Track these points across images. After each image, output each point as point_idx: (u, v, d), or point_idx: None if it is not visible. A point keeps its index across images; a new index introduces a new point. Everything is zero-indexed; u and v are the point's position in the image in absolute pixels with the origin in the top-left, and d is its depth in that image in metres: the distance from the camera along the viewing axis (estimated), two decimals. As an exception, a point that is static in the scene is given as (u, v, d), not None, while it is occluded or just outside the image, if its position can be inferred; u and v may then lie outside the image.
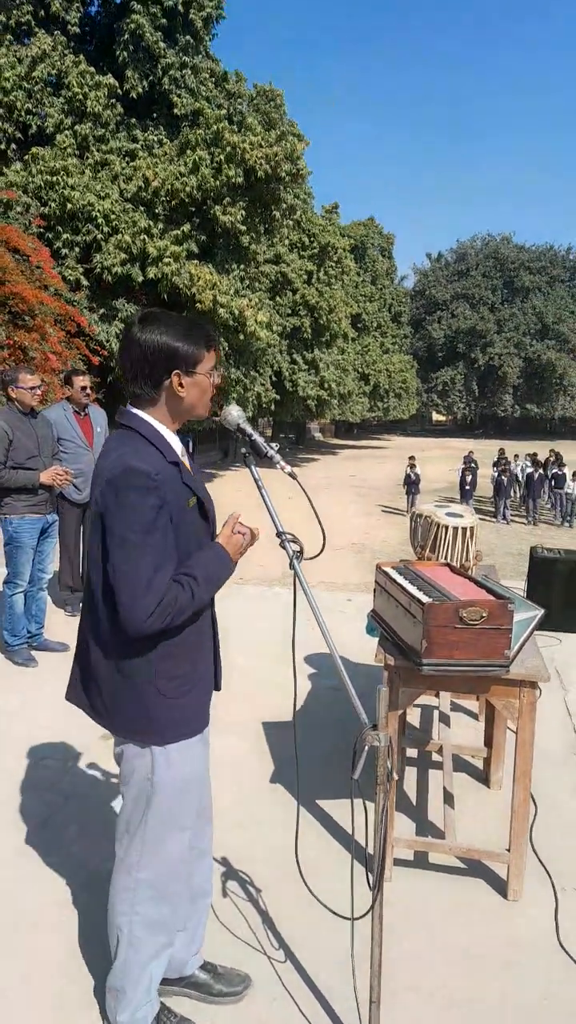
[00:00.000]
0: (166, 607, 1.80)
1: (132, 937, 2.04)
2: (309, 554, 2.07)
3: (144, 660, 1.90)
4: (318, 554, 2.08)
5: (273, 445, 2.08)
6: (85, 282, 17.06)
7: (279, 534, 2.02)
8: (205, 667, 2.07)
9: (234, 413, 2.08)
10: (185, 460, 2.03)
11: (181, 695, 1.96)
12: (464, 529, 3.53)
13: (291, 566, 2.02)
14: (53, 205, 16.52)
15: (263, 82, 21.43)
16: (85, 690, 2.05)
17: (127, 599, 1.79)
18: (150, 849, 2.01)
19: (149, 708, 1.93)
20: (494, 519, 22.05)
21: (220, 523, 2.08)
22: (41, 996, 2.29)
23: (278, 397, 31.86)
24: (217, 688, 2.18)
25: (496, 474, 22.56)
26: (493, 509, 22.70)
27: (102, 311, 17.32)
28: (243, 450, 2.10)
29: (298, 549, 2.04)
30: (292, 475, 2.07)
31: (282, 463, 2.04)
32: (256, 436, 2.08)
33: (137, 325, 1.90)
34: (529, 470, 23.13)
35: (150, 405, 1.94)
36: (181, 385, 1.90)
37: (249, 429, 2.08)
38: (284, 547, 2.02)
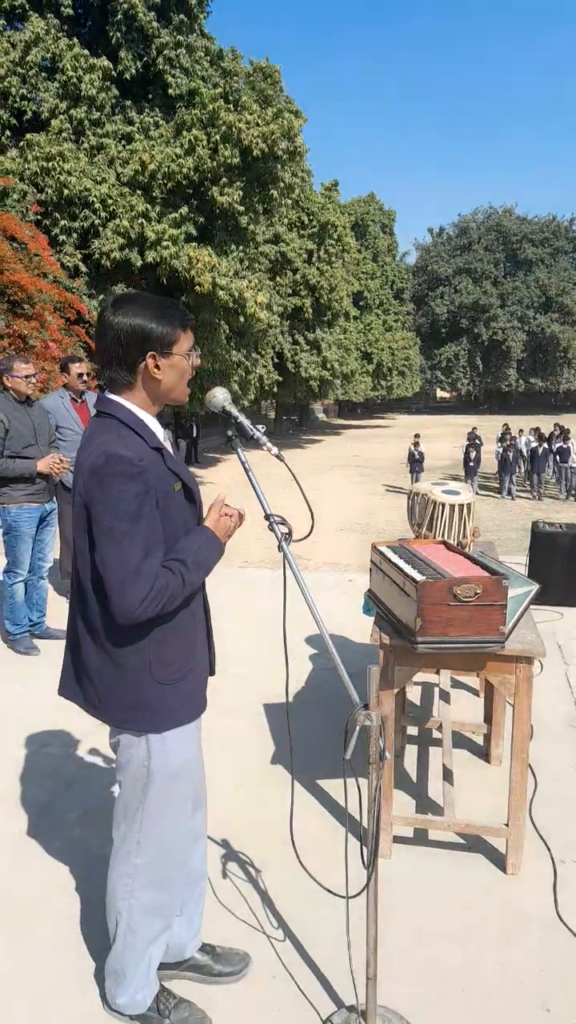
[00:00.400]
0: (158, 593, 1.80)
1: (131, 922, 2.06)
2: (298, 536, 2.07)
3: (138, 648, 1.90)
4: (306, 536, 2.08)
5: (259, 427, 2.07)
6: (84, 268, 16.97)
7: (267, 516, 2.01)
8: (200, 652, 2.07)
9: (219, 396, 2.07)
10: (167, 445, 2.01)
11: (177, 681, 1.96)
12: (461, 506, 3.52)
13: (280, 548, 2.01)
14: (50, 191, 16.41)
15: (259, 58, 21.17)
16: (78, 683, 2.05)
17: (117, 587, 1.78)
18: (147, 835, 2.02)
19: (145, 696, 1.93)
20: (499, 495, 22.00)
21: (207, 507, 2.08)
22: (43, 980, 2.31)
23: (280, 379, 31.74)
24: (212, 672, 2.18)
25: (501, 449, 22.47)
26: (498, 485, 22.64)
27: (101, 297, 17.24)
28: (229, 432, 2.09)
29: (287, 531, 2.04)
30: (279, 456, 2.07)
31: (268, 444, 2.04)
32: (242, 418, 2.06)
33: (110, 309, 1.88)
34: (533, 445, 23.02)
35: (127, 390, 1.92)
36: (157, 367, 1.88)
37: (235, 411, 2.07)
38: (272, 529, 2.02)
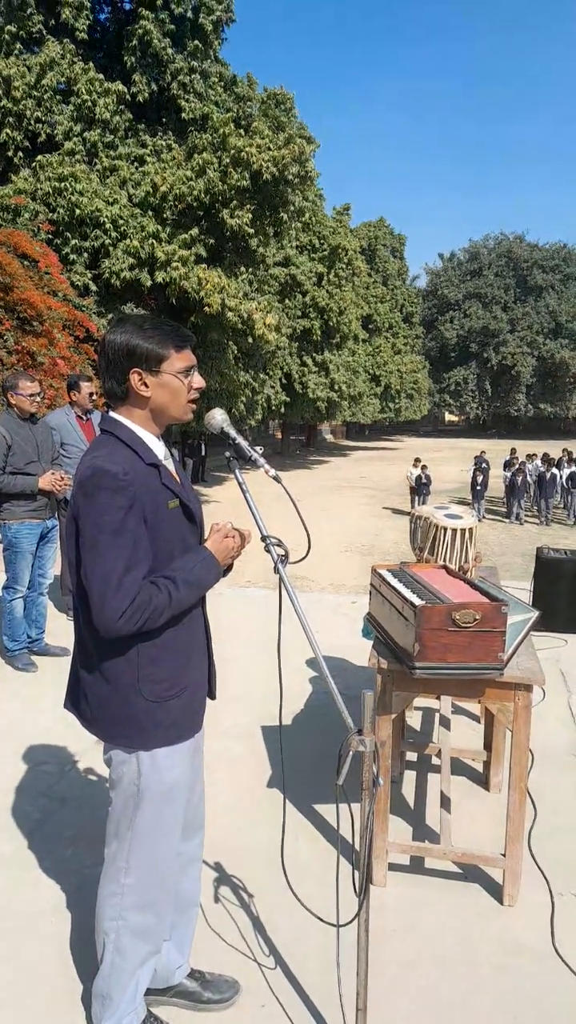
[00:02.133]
0: (138, 608, 1.80)
1: (119, 944, 2.03)
2: (295, 557, 2.06)
3: (127, 662, 1.90)
4: (302, 558, 2.07)
5: (257, 449, 2.07)
6: (94, 287, 17.11)
7: (264, 538, 2.00)
8: (197, 673, 2.06)
9: (217, 417, 2.07)
10: (168, 463, 2.02)
11: (167, 699, 1.95)
12: (463, 531, 3.50)
13: (275, 570, 2.00)
14: (61, 211, 16.57)
15: (273, 86, 21.40)
16: (76, 696, 2.06)
17: (98, 600, 1.79)
18: (136, 854, 2.00)
19: (134, 712, 1.92)
20: (507, 519, 21.95)
21: (210, 528, 2.08)
22: (31, 1000, 2.28)
23: (288, 399, 31.85)
24: (212, 696, 2.17)
25: (509, 474, 22.44)
26: (506, 509, 22.59)
27: (110, 316, 17.36)
28: (227, 454, 2.09)
29: (283, 553, 2.02)
30: (276, 478, 2.06)
31: (266, 466, 2.03)
32: (240, 440, 2.06)
33: (109, 327, 1.94)
34: (541, 470, 22.98)
35: (123, 406, 1.96)
36: (145, 384, 1.91)
37: (233, 433, 2.07)
38: (269, 551, 2.01)
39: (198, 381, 2.00)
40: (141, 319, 1.94)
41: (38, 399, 4.97)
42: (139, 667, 1.90)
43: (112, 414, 1.97)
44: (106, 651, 1.90)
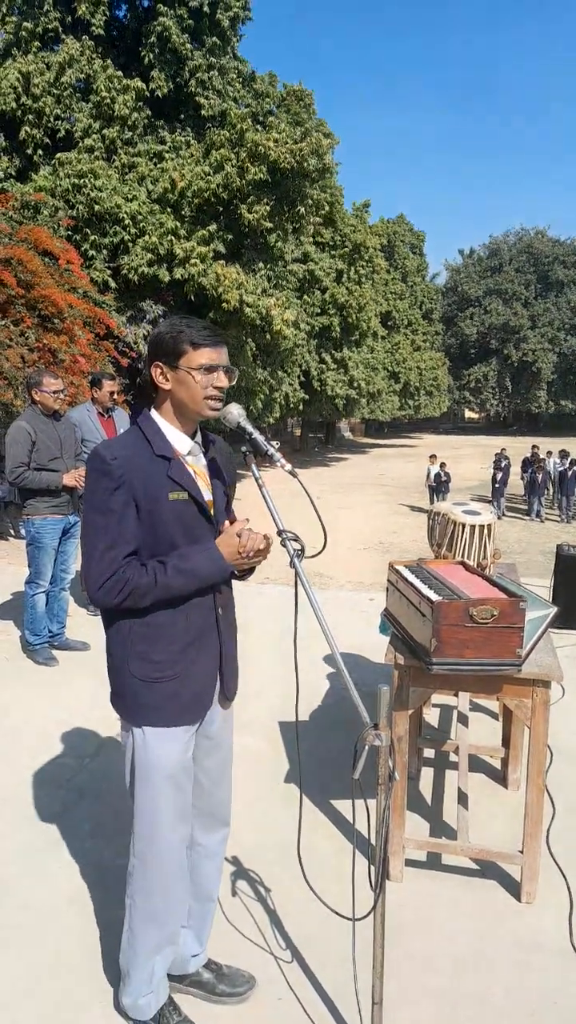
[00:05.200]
0: (116, 583, 1.90)
1: (132, 923, 2.11)
2: (311, 552, 2.06)
3: (121, 638, 2.02)
4: (318, 553, 2.07)
5: (273, 444, 2.08)
6: (113, 284, 17.17)
7: (280, 532, 2.01)
8: (196, 666, 2.06)
9: (234, 412, 2.08)
10: (192, 459, 2.06)
11: (153, 681, 2.00)
12: (482, 527, 3.49)
13: (291, 564, 2.00)
14: (81, 208, 16.63)
15: (292, 82, 21.37)
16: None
17: (85, 571, 1.94)
18: (139, 835, 2.08)
19: (125, 686, 2.04)
20: (527, 517, 21.82)
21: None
22: (53, 989, 2.31)
23: (306, 397, 31.80)
24: (227, 697, 2.18)
25: (530, 471, 22.28)
26: (526, 507, 22.45)
27: (129, 313, 17.41)
28: (244, 448, 2.10)
29: (299, 548, 2.03)
30: (292, 473, 2.06)
31: (282, 461, 2.04)
32: (256, 435, 2.07)
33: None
34: (561, 467, 22.80)
35: (156, 398, 2.06)
36: (165, 378, 1.99)
37: (249, 427, 2.08)
38: (285, 546, 2.01)
39: (220, 380, 2.00)
40: (181, 318, 2.02)
41: (62, 396, 5.02)
42: (131, 644, 2.00)
43: (147, 409, 2.08)
44: (108, 625, 2.05)
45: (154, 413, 2.05)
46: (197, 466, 2.07)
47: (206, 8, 19.10)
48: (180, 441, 2.04)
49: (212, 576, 2.01)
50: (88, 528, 1.95)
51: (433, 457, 23.51)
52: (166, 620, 1.99)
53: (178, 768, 2.06)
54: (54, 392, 4.95)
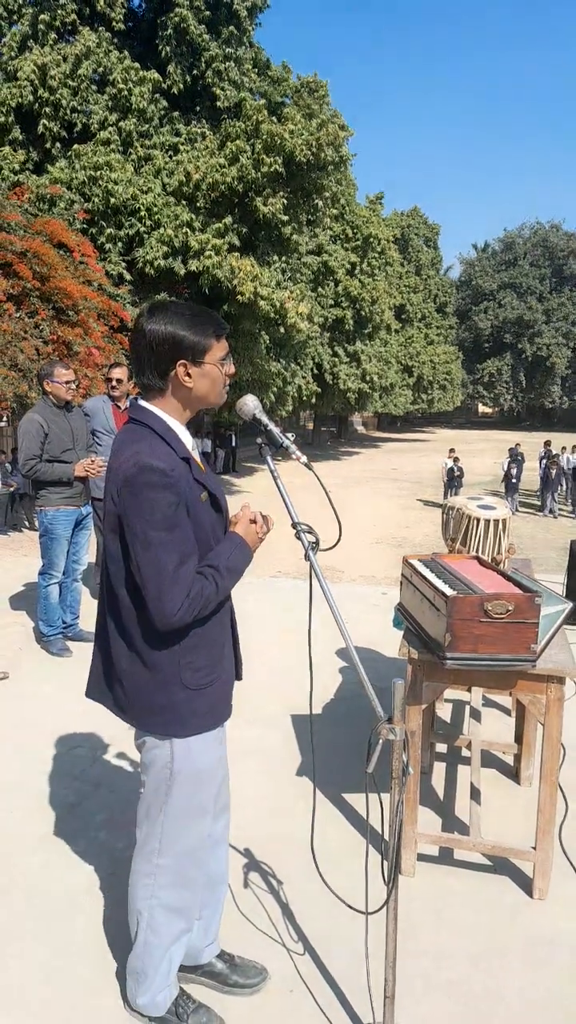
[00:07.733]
0: (194, 600, 1.82)
1: (152, 921, 2.07)
2: (326, 545, 2.05)
3: (170, 652, 1.91)
4: (334, 545, 2.06)
5: (289, 435, 2.07)
6: (128, 276, 17.18)
7: (294, 525, 2.00)
8: (227, 659, 2.08)
9: (250, 403, 2.07)
10: (195, 455, 2.02)
11: (205, 686, 1.97)
12: (496, 521, 3.48)
13: (306, 557, 2.00)
14: (96, 200, 16.64)
15: (307, 74, 21.25)
16: (107, 685, 2.07)
17: (155, 594, 1.80)
18: (170, 836, 2.03)
19: (173, 700, 1.94)
20: (541, 512, 21.72)
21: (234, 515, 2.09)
22: (67, 979, 2.32)
23: (319, 390, 31.74)
24: (238, 678, 2.18)
25: (544, 467, 22.17)
26: (540, 503, 22.34)
27: (143, 305, 17.40)
28: (259, 440, 2.09)
29: (314, 540, 2.02)
30: (307, 465, 2.07)
31: (297, 453, 2.04)
32: (272, 426, 2.07)
33: (145, 315, 1.90)
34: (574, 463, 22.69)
35: (159, 396, 1.94)
36: (188, 375, 1.89)
37: (265, 419, 2.07)
38: (299, 538, 2.01)
39: (230, 368, 2.00)
40: (178, 306, 1.91)
41: (73, 387, 5.02)
42: (181, 655, 1.92)
43: (143, 403, 1.96)
44: (154, 641, 1.91)
45: (159, 411, 1.94)
46: (199, 462, 2.04)
47: (223, -3, 19.03)
48: (187, 438, 1.99)
49: (245, 567, 2.00)
50: (149, 547, 1.80)
51: (452, 451, 23.45)
52: (210, 625, 1.96)
53: (223, 764, 2.08)
54: (66, 383, 4.96)
